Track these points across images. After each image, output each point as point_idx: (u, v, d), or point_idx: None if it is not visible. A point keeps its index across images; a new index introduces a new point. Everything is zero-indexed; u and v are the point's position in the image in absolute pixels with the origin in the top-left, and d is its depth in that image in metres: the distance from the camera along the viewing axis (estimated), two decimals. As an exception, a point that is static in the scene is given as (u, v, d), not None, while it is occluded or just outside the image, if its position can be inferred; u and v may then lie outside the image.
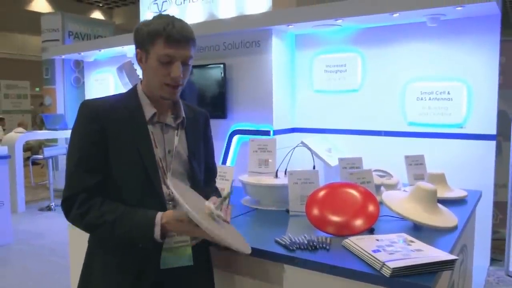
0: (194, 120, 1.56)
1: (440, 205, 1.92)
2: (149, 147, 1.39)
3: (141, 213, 1.31)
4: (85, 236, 1.44)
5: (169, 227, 1.29)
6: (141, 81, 1.47)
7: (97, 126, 1.34)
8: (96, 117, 1.35)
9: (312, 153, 2.44)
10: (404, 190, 2.32)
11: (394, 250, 1.44)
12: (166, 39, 1.32)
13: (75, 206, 1.31)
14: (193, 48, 1.41)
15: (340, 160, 2.42)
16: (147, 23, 1.37)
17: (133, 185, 1.37)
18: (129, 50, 5.59)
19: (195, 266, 1.42)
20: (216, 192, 1.69)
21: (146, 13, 5.62)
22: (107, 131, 1.34)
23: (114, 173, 1.35)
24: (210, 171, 1.69)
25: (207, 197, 1.55)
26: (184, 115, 1.49)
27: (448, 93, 3.63)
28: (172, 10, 5.22)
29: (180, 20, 1.38)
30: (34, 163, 8.31)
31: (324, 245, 1.57)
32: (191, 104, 1.62)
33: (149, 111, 1.42)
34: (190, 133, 1.52)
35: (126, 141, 1.36)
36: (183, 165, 1.49)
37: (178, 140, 1.47)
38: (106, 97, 1.46)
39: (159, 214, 1.30)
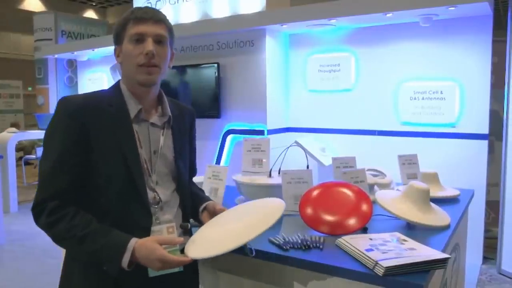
0: (180, 117, 1.50)
1: (433, 204, 1.93)
2: (133, 147, 1.32)
3: (114, 234, 1.23)
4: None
5: (137, 254, 1.21)
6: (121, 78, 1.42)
7: (78, 124, 1.26)
8: (77, 114, 1.26)
9: (305, 153, 2.44)
10: (397, 189, 2.33)
11: (387, 249, 1.44)
12: (135, 19, 1.31)
13: (44, 213, 1.23)
14: (167, 30, 1.36)
15: (334, 159, 2.42)
16: (119, 18, 1.38)
17: (116, 189, 1.29)
18: (123, 49, 5.56)
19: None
20: (201, 191, 1.70)
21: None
22: (88, 129, 1.26)
23: (95, 175, 1.27)
24: (192, 171, 1.64)
25: (193, 195, 1.58)
26: (170, 114, 1.43)
27: (441, 92, 3.65)
28: (165, 10, 5.21)
29: (151, 7, 1.38)
30: (27, 163, 8.25)
31: (317, 245, 1.57)
32: (177, 101, 1.57)
33: (134, 108, 1.35)
34: (176, 132, 1.46)
35: (109, 140, 1.29)
36: (169, 166, 1.43)
37: (163, 140, 1.41)
38: (87, 93, 1.39)
39: (134, 240, 1.22)
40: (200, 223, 1.53)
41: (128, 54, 1.32)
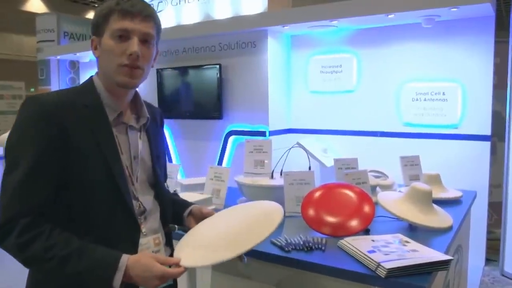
0: (153, 119, 1.38)
1: (435, 206, 1.93)
2: (116, 153, 1.19)
3: (102, 251, 1.09)
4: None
5: (131, 272, 1.08)
6: (96, 74, 1.27)
7: (53, 129, 1.10)
8: (52, 117, 1.10)
9: (307, 154, 2.44)
10: (400, 191, 2.33)
11: (390, 251, 1.44)
12: (120, 12, 1.16)
13: (14, 233, 1.04)
14: (155, 28, 1.22)
15: (336, 160, 2.42)
16: (101, 6, 1.21)
17: (99, 200, 1.15)
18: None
19: None
20: (177, 195, 1.61)
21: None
22: (66, 135, 1.11)
23: (75, 186, 1.13)
24: (164, 175, 1.50)
25: (173, 202, 1.47)
26: (148, 116, 1.32)
27: (443, 93, 3.65)
28: (167, 11, 5.22)
29: None
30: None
31: (319, 246, 1.57)
32: (146, 101, 1.42)
33: (112, 110, 1.22)
34: (152, 135, 1.35)
35: (90, 146, 1.14)
36: (147, 172, 1.31)
37: (141, 144, 1.29)
38: (57, 92, 1.22)
39: (125, 256, 1.09)
40: (185, 229, 1.44)
41: (109, 51, 1.17)
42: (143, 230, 1.25)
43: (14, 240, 1.04)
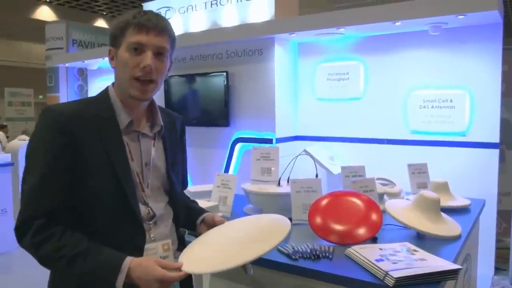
0: (171, 126, 1.42)
1: (443, 214, 1.92)
2: (125, 161, 1.24)
3: (107, 253, 1.15)
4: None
5: (133, 274, 1.13)
6: (112, 84, 1.33)
7: (65, 139, 1.17)
8: (64, 128, 1.17)
9: (314, 161, 2.43)
10: (407, 199, 2.32)
11: (397, 259, 1.43)
12: (136, 25, 1.21)
13: (29, 234, 1.13)
14: (169, 41, 1.27)
15: (343, 168, 2.41)
16: (119, 18, 1.27)
17: (106, 205, 1.20)
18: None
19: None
20: (195, 203, 1.62)
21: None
22: (76, 144, 1.18)
23: (83, 192, 1.19)
24: (184, 183, 1.53)
25: (188, 209, 1.50)
26: (162, 123, 1.35)
27: (451, 101, 3.63)
28: (175, 19, 5.26)
29: (154, 12, 1.27)
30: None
31: (327, 254, 1.57)
32: (165, 108, 1.47)
33: (124, 118, 1.27)
34: (168, 142, 1.38)
35: (99, 154, 1.20)
36: (160, 179, 1.35)
37: (155, 151, 1.33)
38: (73, 102, 1.30)
39: (128, 259, 1.14)
40: (197, 235, 1.46)
41: (124, 63, 1.23)
42: (152, 235, 1.28)
43: (29, 240, 1.13)
